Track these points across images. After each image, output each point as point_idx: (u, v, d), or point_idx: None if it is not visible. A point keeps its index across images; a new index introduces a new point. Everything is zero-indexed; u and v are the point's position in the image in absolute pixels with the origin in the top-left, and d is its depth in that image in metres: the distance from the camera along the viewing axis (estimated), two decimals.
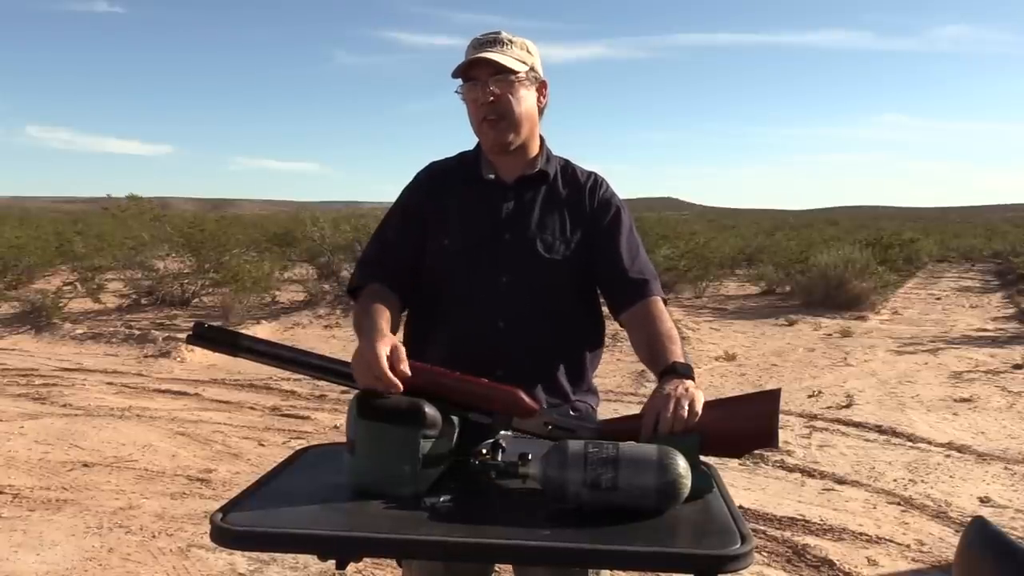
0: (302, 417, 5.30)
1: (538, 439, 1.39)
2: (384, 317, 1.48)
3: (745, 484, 3.98)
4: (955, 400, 5.90)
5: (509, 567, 1.96)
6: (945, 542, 3.33)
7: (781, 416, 1.39)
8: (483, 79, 1.58)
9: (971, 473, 4.25)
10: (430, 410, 1.29)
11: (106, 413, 5.30)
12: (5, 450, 4.43)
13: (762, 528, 3.44)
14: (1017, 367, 7.06)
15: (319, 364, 1.41)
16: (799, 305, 11.05)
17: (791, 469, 4.26)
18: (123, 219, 12.67)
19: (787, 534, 3.40)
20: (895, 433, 4.99)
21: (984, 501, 3.83)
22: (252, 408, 5.55)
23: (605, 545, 1.11)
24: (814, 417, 5.37)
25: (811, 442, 4.78)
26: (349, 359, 1.41)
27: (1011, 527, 3.49)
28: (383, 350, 1.33)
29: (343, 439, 1.33)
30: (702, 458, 1.32)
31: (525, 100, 1.62)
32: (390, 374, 1.31)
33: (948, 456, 4.54)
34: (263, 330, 8.48)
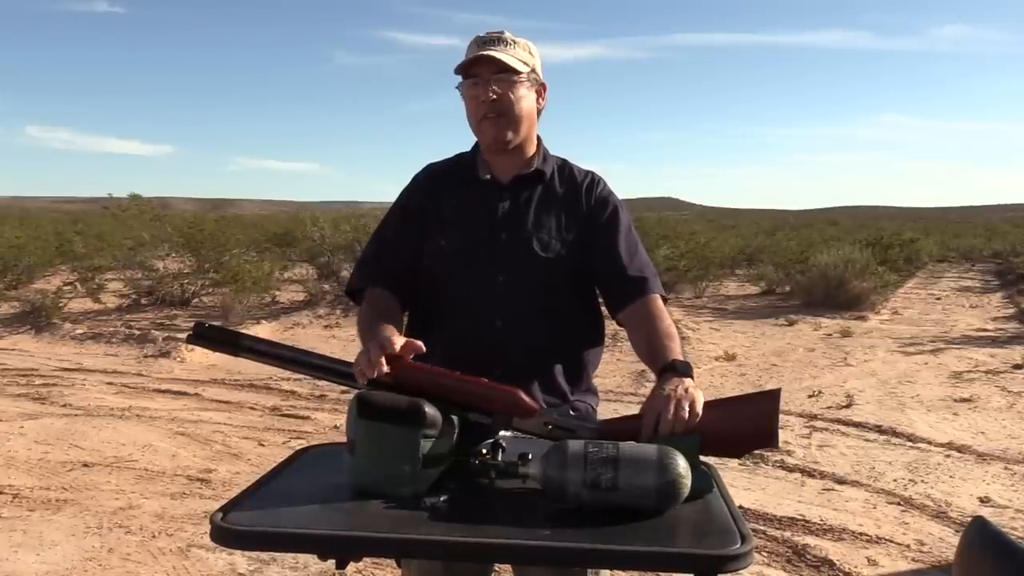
0: (302, 417, 5.30)
1: (538, 439, 1.39)
2: (390, 323, 1.51)
3: (745, 484, 3.98)
4: (955, 400, 5.90)
5: (509, 567, 1.96)
6: (945, 542, 3.33)
7: (781, 416, 1.39)
8: (485, 77, 1.58)
9: (971, 473, 4.25)
10: (430, 410, 1.29)
11: (106, 413, 5.30)
12: (5, 450, 4.43)
13: (762, 528, 3.44)
14: (1017, 367, 7.06)
15: (320, 364, 1.41)
16: (799, 305, 11.05)
17: (791, 469, 4.26)
18: (123, 219, 12.68)
19: (787, 534, 3.40)
20: (895, 433, 4.99)
21: (984, 501, 3.83)
22: (252, 408, 5.55)
23: (605, 545, 1.11)
24: (814, 417, 5.37)
25: (811, 442, 4.78)
26: (349, 359, 1.41)
27: (1011, 527, 3.49)
28: (398, 340, 1.36)
29: (343, 439, 1.33)
30: (702, 458, 1.32)
31: (525, 100, 1.62)
32: (394, 351, 1.33)
33: (948, 456, 4.54)
34: (263, 330, 8.48)
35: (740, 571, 1.07)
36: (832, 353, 7.85)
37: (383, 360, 1.31)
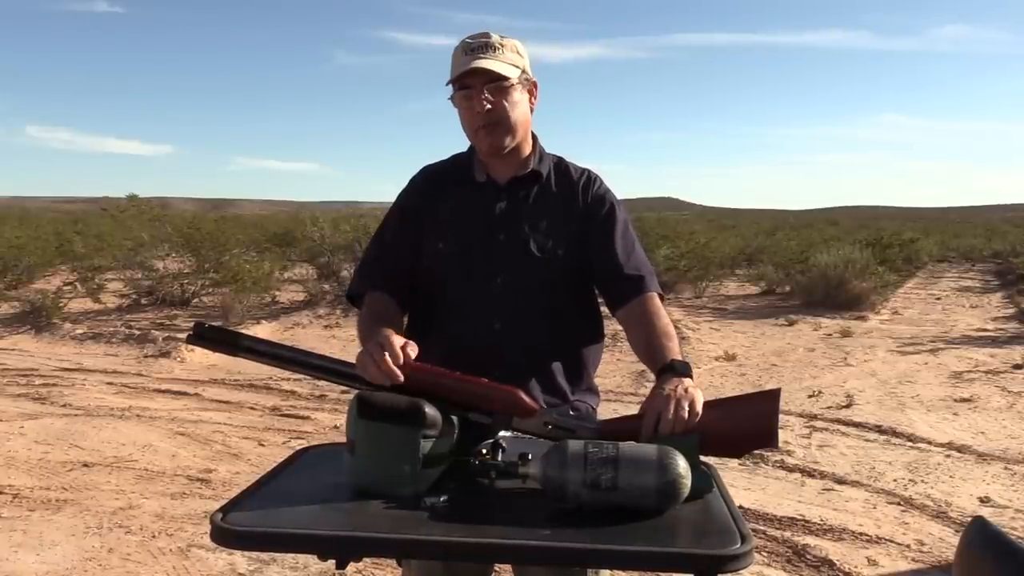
0: (302, 417, 5.30)
1: (538, 439, 1.39)
2: (391, 326, 1.51)
3: (745, 484, 3.98)
4: (955, 400, 5.90)
5: (509, 567, 1.96)
6: (945, 542, 3.33)
7: (781, 416, 1.39)
8: (477, 87, 1.58)
9: (971, 473, 4.25)
10: (430, 410, 1.29)
11: (106, 413, 5.30)
12: (5, 450, 4.43)
13: (762, 528, 3.44)
14: (1017, 367, 7.06)
15: (320, 364, 1.41)
16: (799, 305, 11.05)
17: (791, 469, 4.26)
18: (122, 220, 12.69)
19: (787, 534, 3.40)
20: (895, 433, 4.99)
21: (984, 501, 3.83)
22: (252, 408, 5.55)
23: (605, 545, 1.11)
24: (814, 417, 5.37)
25: (811, 442, 4.78)
26: (349, 359, 1.41)
27: (1011, 527, 3.49)
28: (397, 341, 1.35)
29: (343, 439, 1.33)
30: (702, 458, 1.32)
31: (519, 105, 1.62)
32: (400, 357, 1.32)
33: (948, 456, 4.54)
34: (263, 330, 8.48)
35: (740, 571, 1.08)
36: (832, 353, 7.85)
37: (396, 369, 1.32)
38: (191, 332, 1.41)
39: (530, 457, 1.26)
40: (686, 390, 1.35)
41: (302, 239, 14.22)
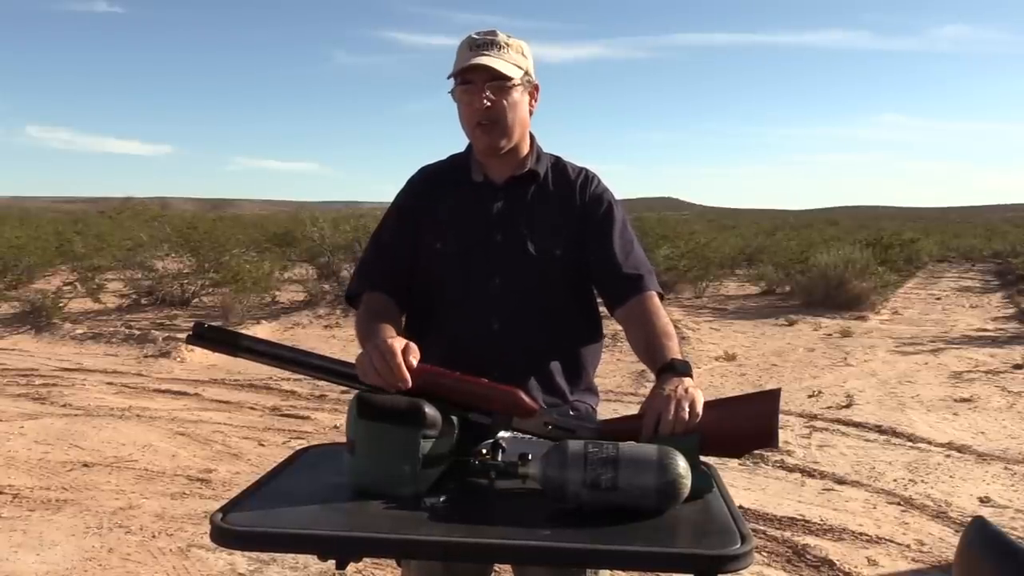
0: (302, 417, 5.30)
1: (538, 439, 1.39)
2: (389, 326, 1.51)
3: (745, 484, 3.98)
4: (955, 400, 5.90)
5: (509, 567, 1.96)
6: (945, 542, 3.33)
7: (781, 416, 1.39)
8: (479, 84, 1.58)
9: (971, 473, 4.25)
10: (430, 410, 1.29)
11: (106, 413, 5.30)
12: (5, 450, 4.43)
13: (762, 528, 3.44)
14: (1017, 367, 7.06)
15: (320, 364, 1.41)
16: (799, 305, 11.05)
17: (791, 469, 4.26)
18: (120, 221, 12.69)
19: (787, 534, 3.40)
20: (895, 433, 4.99)
21: (984, 501, 3.83)
22: (252, 408, 5.55)
23: (605, 545, 1.11)
24: (814, 417, 5.37)
25: (811, 442, 4.78)
26: (349, 359, 1.41)
27: (1011, 527, 3.49)
28: (398, 345, 1.34)
29: (343, 439, 1.33)
30: (702, 458, 1.32)
31: (519, 106, 1.62)
32: (403, 366, 1.31)
33: (948, 456, 4.54)
34: (263, 330, 8.48)
35: (740, 571, 1.08)
36: (832, 353, 7.85)
37: (399, 378, 1.31)
38: (191, 332, 1.41)
39: (530, 457, 1.26)
40: (686, 390, 1.35)
41: (302, 239, 14.22)
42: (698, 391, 1.35)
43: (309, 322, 9.42)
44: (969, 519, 1.04)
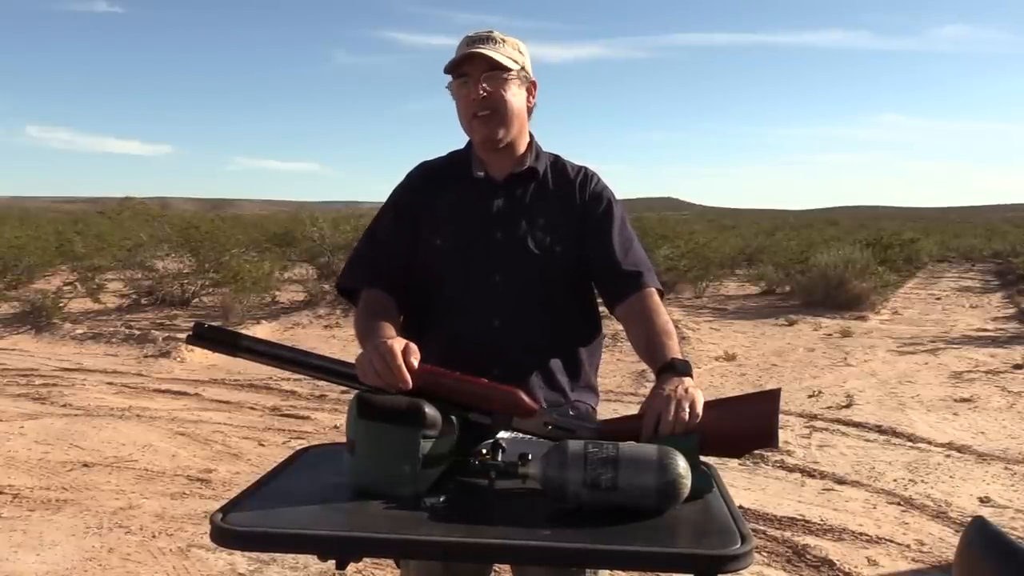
0: (302, 417, 5.30)
1: (538, 439, 1.39)
2: (388, 324, 1.51)
3: (745, 484, 3.98)
4: (955, 400, 5.90)
5: (508, 567, 1.96)
6: (945, 542, 3.33)
7: (781, 416, 1.39)
8: (475, 76, 1.58)
9: (971, 473, 4.25)
10: (430, 410, 1.29)
11: (106, 413, 5.30)
12: (5, 450, 4.43)
13: (762, 528, 3.44)
14: (1017, 367, 7.06)
15: (320, 364, 1.41)
16: (799, 305, 11.05)
17: (791, 469, 4.26)
18: (120, 221, 12.69)
19: (787, 534, 3.40)
20: (895, 433, 4.99)
21: (984, 501, 3.83)
22: (252, 408, 5.55)
23: (605, 545, 1.11)
24: (814, 417, 5.37)
25: (811, 442, 4.78)
26: (349, 359, 1.41)
27: (1011, 527, 3.49)
28: (397, 346, 1.33)
29: (343, 439, 1.32)
30: (702, 458, 1.32)
31: (515, 98, 1.62)
32: (404, 368, 1.31)
33: (948, 456, 4.54)
34: (263, 330, 8.48)
35: (740, 571, 1.07)
36: (832, 353, 7.85)
37: (399, 379, 1.31)
38: (191, 332, 1.41)
39: (530, 457, 1.26)
40: (686, 390, 1.35)
41: (302, 239, 14.22)
42: (698, 391, 1.35)
43: (309, 322, 9.42)
44: (969, 519, 1.04)
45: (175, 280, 10.83)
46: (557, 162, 1.73)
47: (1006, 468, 4.33)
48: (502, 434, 1.37)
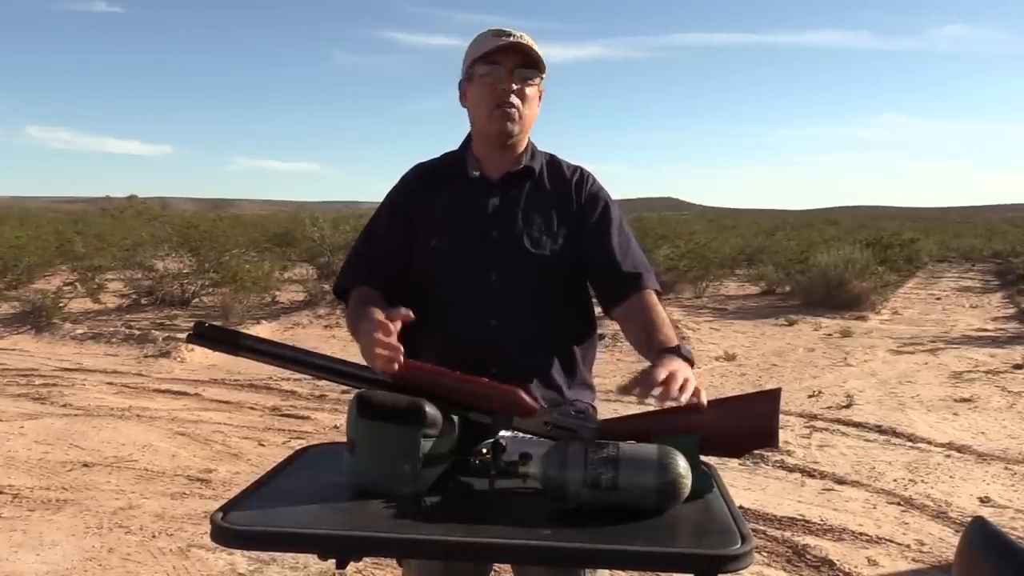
0: (302, 417, 5.30)
1: (538, 439, 1.39)
2: (375, 308, 1.49)
3: (745, 484, 3.98)
4: (955, 400, 5.90)
5: (508, 567, 1.96)
6: (945, 542, 3.33)
7: (781, 416, 1.39)
8: (507, 66, 1.58)
9: (971, 473, 4.25)
10: (430, 409, 1.29)
11: (106, 413, 5.30)
12: (5, 450, 4.43)
13: (762, 528, 3.44)
14: (1017, 367, 7.06)
15: (321, 364, 1.41)
16: (799, 305, 11.05)
17: (791, 469, 4.26)
18: (121, 220, 12.69)
19: (787, 534, 3.40)
20: (895, 433, 4.99)
21: (984, 501, 3.83)
22: (252, 408, 5.55)
23: (605, 545, 1.11)
24: (814, 417, 5.37)
25: (811, 442, 4.78)
26: (349, 359, 1.41)
27: (1011, 527, 3.49)
28: (380, 315, 1.37)
29: (343, 439, 1.33)
30: (702, 458, 1.32)
31: (534, 101, 1.64)
32: (390, 333, 1.33)
33: (948, 456, 4.54)
34: (263, 330, 8.48)
35: (740, 571, 1.08)
36: (832, 353, 7.85)
37: (399, 352, 1.33)
38: (191, 332, 1.41)
39: (530, 457, 1.26)
40: (689, 376, 1.33)
41: (302, 239, 14.22)
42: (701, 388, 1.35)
43: (309, 322, 9.41)
44: (969, 519, 1.04)
45: (175, 280, 10.83)
46: (553, 161, 1.73)
47: (1006, 468, 4.33)
48: (502, 433, 1.37)
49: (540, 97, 1.67)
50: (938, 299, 13.07)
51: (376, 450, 1.27)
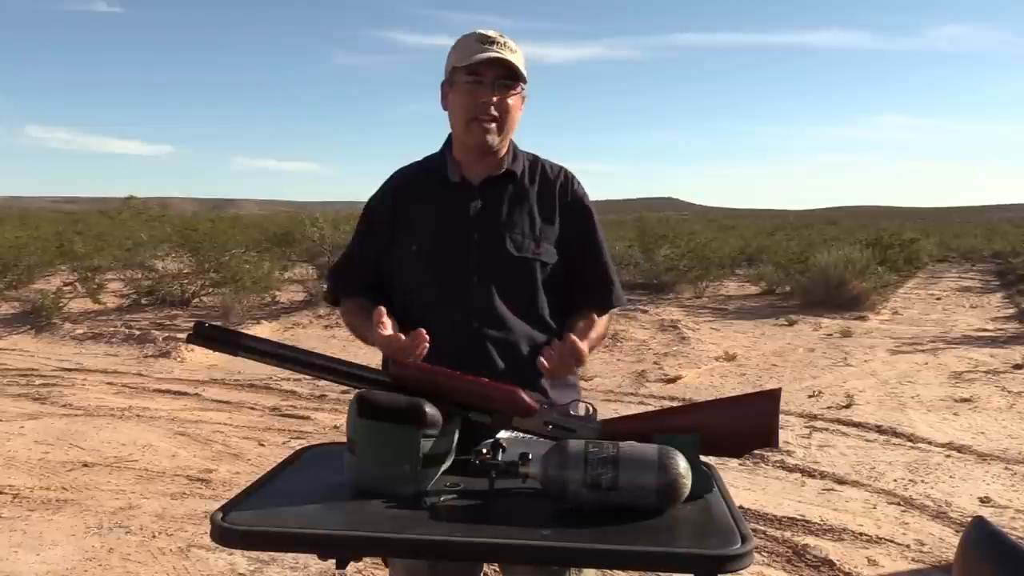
0: (302, 417, 5.30)
1: (538, 439, 1.39)
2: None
3: (745, 484, 3.98)
4: (955, 400, 5.90)
5: (495, 565, 1.96)
6: (945, 542, 3.33)
7: (781, 416, 1.39)
8: (489, 78, 1.58)
9: (971, 473, 4.25)
10: (430, 409, 1.29)
11: (106, 413, 5.30)
12: (5, 450, 4.43)
13: (762, 528, 3.44)
14: (1017, 367, 7.06)
15: (321, 364, 1.41)
16: (799, 305, 11.05)
17: (791, 469, 4.26)
18: (121, 221, 12.68)
19: (787, 534, 3.40)
20: (895, 433, 4.99)
21: (984, 501, 3.83)
22: (252, 408, 5.55)
23: (605, 545, 1.11)
24: (814, 417, 5.37)
25: (811, 442, 4.78)
26: (349, 359, 1.41)
27: (1011, 527, 3.49)
28: (380, 313, 1.46)
29: (343, 439, 1.33)
30: (702, 458, 1.32)
31: (515, 111, 1.65)
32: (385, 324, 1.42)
33: (948, 456, 4.54)
34: (263, 330, 8.48)
35: (740, 571, 1.08)
36: (832, 353, 7.85)
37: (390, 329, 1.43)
38: (191, 332, 1.41)
39: (530, 457, 1.26)
40: (574, 344, 1.46)
41: (302, 239, 14.21)
42: (585, 352, 1.48)
43: (309, 322, 9.41)
44: (969, 519, 1.04)
45: (175, 280, 10.82)
46: (536, 162, 1.74)
47: (1006, 468, 4.33)
48: (502, 433, 1.37)
49: (523, 102, 1.68)
50: (938, 299, 13.07)
51: (376, 450, 1.27)
